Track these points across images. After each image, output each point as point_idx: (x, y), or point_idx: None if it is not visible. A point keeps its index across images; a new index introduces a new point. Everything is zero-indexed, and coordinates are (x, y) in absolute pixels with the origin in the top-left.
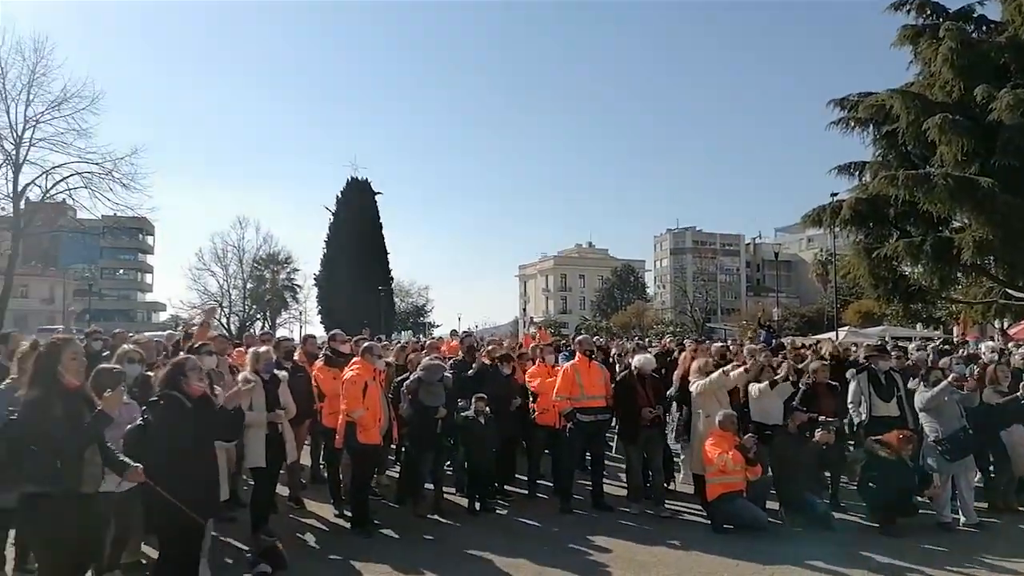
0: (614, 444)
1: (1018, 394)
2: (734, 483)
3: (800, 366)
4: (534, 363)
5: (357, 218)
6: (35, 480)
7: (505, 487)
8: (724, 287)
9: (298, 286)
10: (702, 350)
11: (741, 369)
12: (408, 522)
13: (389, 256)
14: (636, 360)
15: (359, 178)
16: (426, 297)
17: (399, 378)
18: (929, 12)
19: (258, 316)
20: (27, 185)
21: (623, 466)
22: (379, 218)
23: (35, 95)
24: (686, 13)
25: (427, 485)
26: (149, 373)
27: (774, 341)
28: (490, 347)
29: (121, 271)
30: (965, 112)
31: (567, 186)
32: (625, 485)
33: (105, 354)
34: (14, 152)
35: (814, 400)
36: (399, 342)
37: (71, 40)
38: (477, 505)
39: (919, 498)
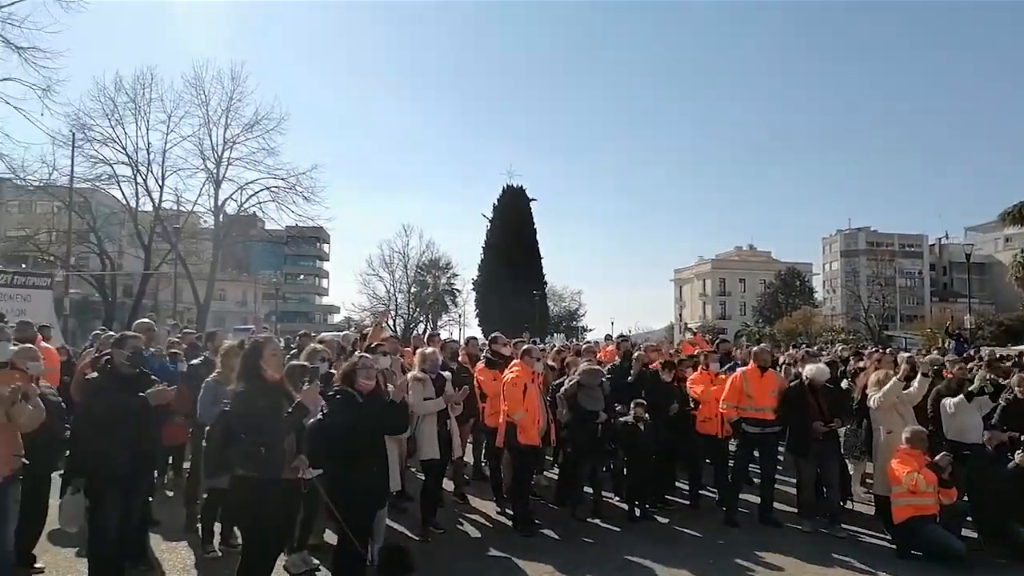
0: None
1: None
2: (926, 506)
3: (1003, 381)
4: (695, 370)
5: (512, 224)
6: (244, 465)
7: (665, 495)
8: (904, 292)
9: (457, 290)
10: (886, 360)
11: (920, 377)
12: (569, 524)
13: (543, 260)
14: (808, 370)
15: (514, 185)
16: (579, 301)
17: (555, 381)
18: None
19: (421, 319)
20: (225, 200)
21: (793, 481)
22: (533, 224)
23: (232, 119)
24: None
25: (586, 489)
26: (333, 371)
27: (966, 351)
28: (650, 353)
29: (301, 276)
30: None
31: (726, 186)
32: (796, 503)
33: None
34: (215, 170)
35: (1016, 418)
36: (553, 345)
37: (259, 66)
38: (637, 511)
39: None
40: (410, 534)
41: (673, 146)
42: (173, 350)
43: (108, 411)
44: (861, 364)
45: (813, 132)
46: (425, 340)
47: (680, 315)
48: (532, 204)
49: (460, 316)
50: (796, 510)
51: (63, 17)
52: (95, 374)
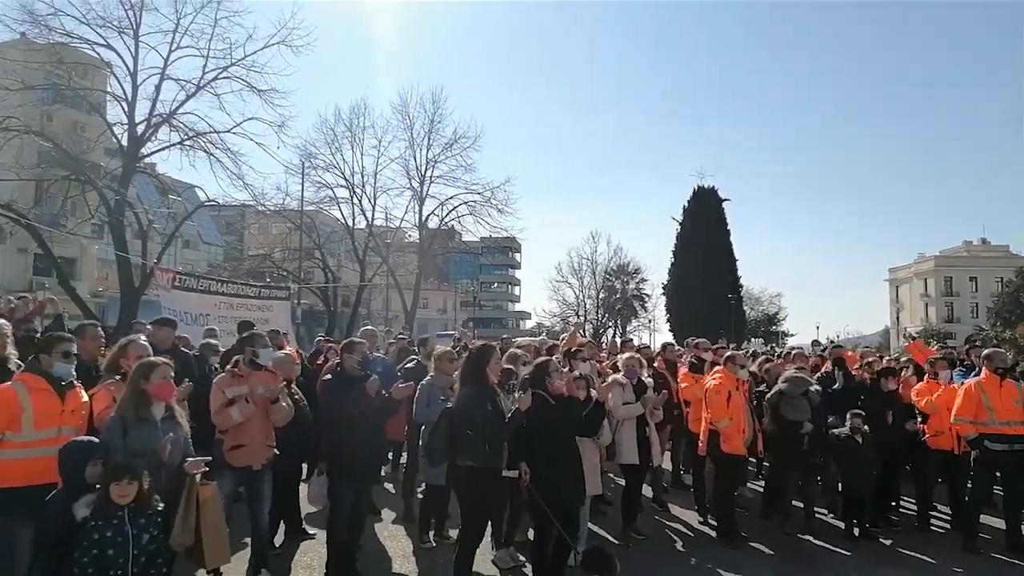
0: None
1: None
2: None
3: None
4: (920, 379)
5: (704, 226)
6: (471, 457)
7: (889, 515)
8: None
9: (646, 295)
10: None
11: None
12: (777, 538)
13: (738, 262)
14: None
15: (705, 186)
16: (778, 305)
17: (756, 389)
18: None
19: (610, 324)
20: (428, 215)
21: None
22: (727, 225)
23: (434, 140)
24: None
25: (795, 503)
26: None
27: None
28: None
29: (495, 284)
30: None
31: (948, 172)
32: None
33: None
34: (419, 188)
35: None
36: (750, 351)
37: (457, 87)
38: (856, 530)
39: None
40: (611, 538)
41: (882, 132)
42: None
43: (342, 408)
44: None
45: None
46: (620, 346)
47: (897, 318)
48: (725, 204)
49: (650, 321)
50: None
51: (293, 60)
52: (329, 376)
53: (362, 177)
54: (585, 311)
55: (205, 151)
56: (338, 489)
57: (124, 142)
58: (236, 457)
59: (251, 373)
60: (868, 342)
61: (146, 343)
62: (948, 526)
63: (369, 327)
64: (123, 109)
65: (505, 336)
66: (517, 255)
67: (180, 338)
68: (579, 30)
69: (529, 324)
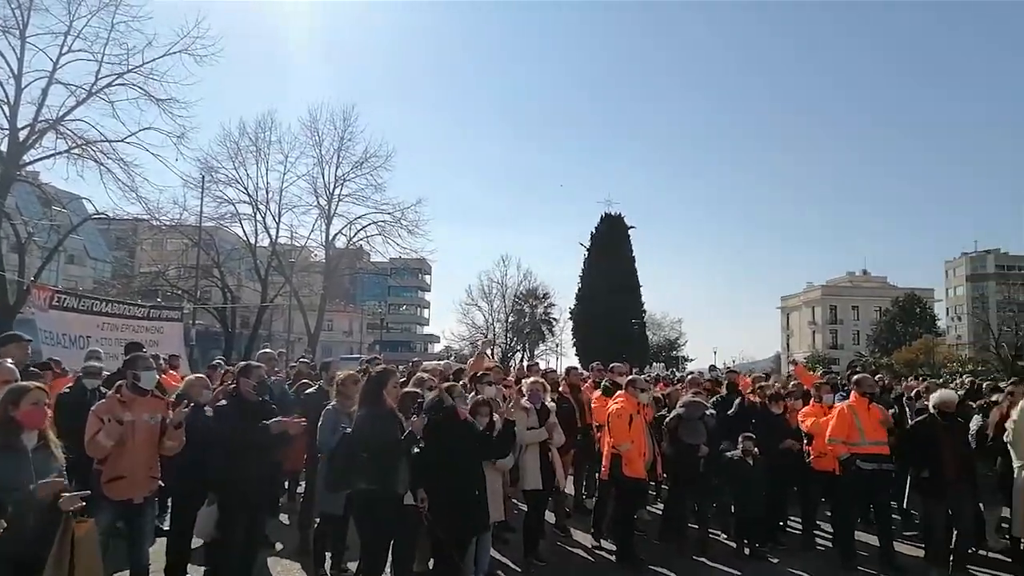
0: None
1: None
2: None
3: None
4: (805, 403)
5: (611, 253)
6: (368, 482)
7: (776, 534)
8: None
9: (554, 319)
10: (1021, 393)
11: None
12: (674, 561)
13: (642, 289)
14: (934, 398)
15: (612, 214)
16: (679, 330)
17: (658, 414)
18: None
19: (518, 348)
20: (335, 234)
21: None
22: (632, 252)
23: (343, 157)
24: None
25: (692, 524)
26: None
27: None
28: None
29: (404, 307)
30: None
31: (835, 208)
32: (920, 544)
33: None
34: (327, 207)
35: None
36: (652, 375)
37: (367, 106)
38: (746, 550)
39: None
40: (513, 565)
41: (778, 170)
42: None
43: (236, 438)
44: (994, 398)
45: (931, 150)
46: (525, 370)
47: (787, 344)
48: (631, 232)
49: (557, 345)
50: (922, 555)
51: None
52: (223, 401)
53: (266, 193)
54: (494, 335)
55: (95, 160)
56: (229, 521)
57: (3, 148)
58: (114, 490)
59: (134, 398)
60: (761, 367)
61: (12, 366)
62: (830, 544)
63: (267, 350)
64: (3, 113)
65: (415, 360)
66: (427, 277)
67: (53, 361)
68: (494, 56)
69: (438, 347)
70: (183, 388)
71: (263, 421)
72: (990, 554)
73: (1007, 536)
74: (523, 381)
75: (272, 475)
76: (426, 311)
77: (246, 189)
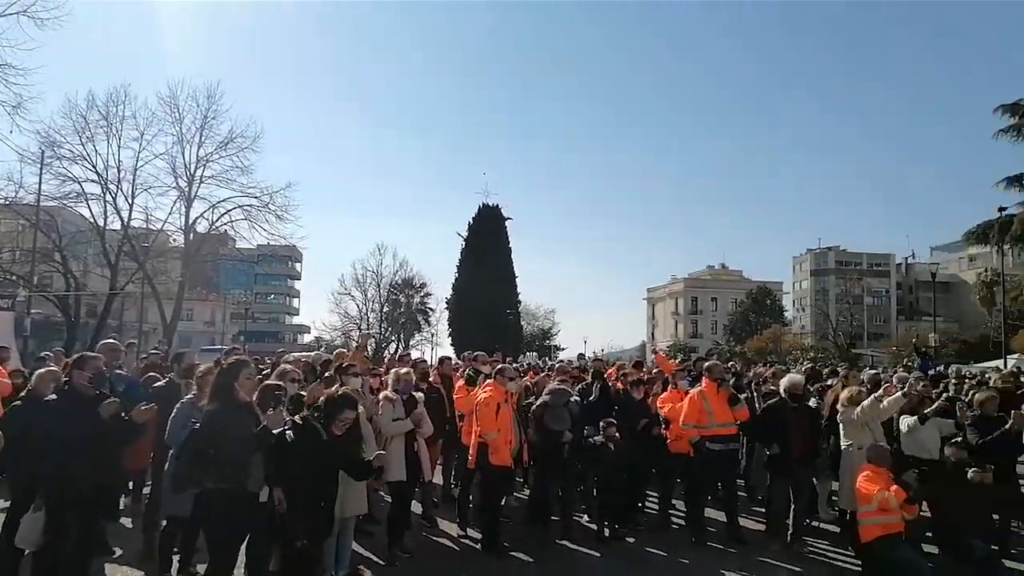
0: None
1: None
2: (893, 524)
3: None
4: (664, 388)
5: (487, 243)
6: (217, 479)
7: (636, 515)
8: (872, 310)
9: (431, 309)
10: (853, 377)
11: (898, 394)
12: (538, 546)
13: (517, 280)
14: (784, 381)
15: (490, 204)
16: (552, 320)
17: (526, 401)
18: None
19: (393, 338)
20: (196, 218)
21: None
22: (508, 243)
23: (206, 137)
24: (825, 25)
25: (557, 510)
26: (302, 393)
27: (932, 369)
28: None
29: (272, 296)
30: None
31: (698, 207)
32: (762, 520)
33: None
34: (187, 189)
35: (983, 434)
36: (526, 364)
37: (235, 84)
38: (606, 532)
39: None
40: (376, 558)
41: (649, 169)
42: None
43: (67, 431)
44: (830, 382)
45: (784, 153)
46: (397, 360)
47: (652, 334)
48: (508, 223)
49: (433, 335)
50: (763, 528)
51: (37, 35)
52: (54, 396)
53: (118, 172)
54: (368, 324)
55: None
56: (57, 524)
57: None
58: None
59: None
60: (628, 356)
61: None
62: (683, 522)
63: (111, 340)
64: None
65: (281, 351)
66: (297, 265)
67: None
68: (371, 42)
69: (308, 338)
70: (34, 382)
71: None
72: (822, 525)
73: (836, 508)
74: (392, 371)
75: (109, 473)
76: (296, 300)
77: (94, 167)
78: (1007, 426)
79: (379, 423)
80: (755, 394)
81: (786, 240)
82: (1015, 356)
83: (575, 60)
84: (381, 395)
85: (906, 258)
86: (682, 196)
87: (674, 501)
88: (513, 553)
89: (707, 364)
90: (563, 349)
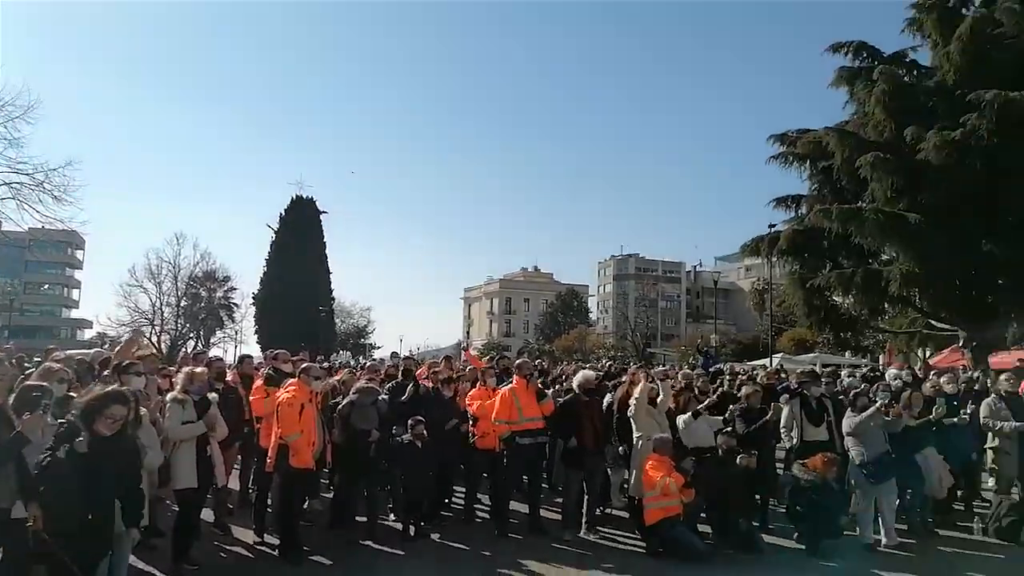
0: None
1: (930, 417)
2: (673, 507)
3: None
4: (473, 386)
5: (300, 237)
6: None
7: (442, 512)
8: (665, 313)
9: (236, 304)
10: (640, 375)
11: (668, 384)
12: (341, 548)
13: (331, 276)
14: (577, 377)
15: (304, 197)
16: (367, 318)
17: (332, 401)
18: (865, 55)
19: (191, 335)
20: None
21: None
22: (323, 237)
23: None
24: (636, 39)
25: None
26: (72, 394)
27: (712, 366)
28: (434, 370)
29: (46, 286)
30: (895, 151)
31: (515, 210)
32: (560, 509)
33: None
34: None
35: (749, 423)
36: (338, 363)
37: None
38: (412, 530)
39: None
40: (158, 573)
41: (467, 171)
42: None
43: None
44: (623, 378)
45: (594, 163)
46: (191, 359)
47: (468, 333)
48: (323, 217)
49: (237, 332)
50: (560, 518)
51: None
52: None
53: None
54: (163, 320)
55: None
56: None
57: None
58: None
59: None
60: (444, 354)
61: None
62: (488, 515)
63: None
64: None
65: (51, 347)
66: (79, 253)
67: None
68: (179, 22)
69: (90, 334)
70: None
71: None
72: (613, 511)
73: (627, 495)
74: (184, 370)
75: None
76: (76, 292)
77: None
78: (767, 416)
79: (164, 427)
80: (563, 391)
81: (594, 246)
82: (779, 355)
83: (402, 56)
84: (168, 396)
85: (694, 266)
86: (501, 198)
87: (480, 496)
88: (313, 557)
89: (517, 362)
90: (378, 348)
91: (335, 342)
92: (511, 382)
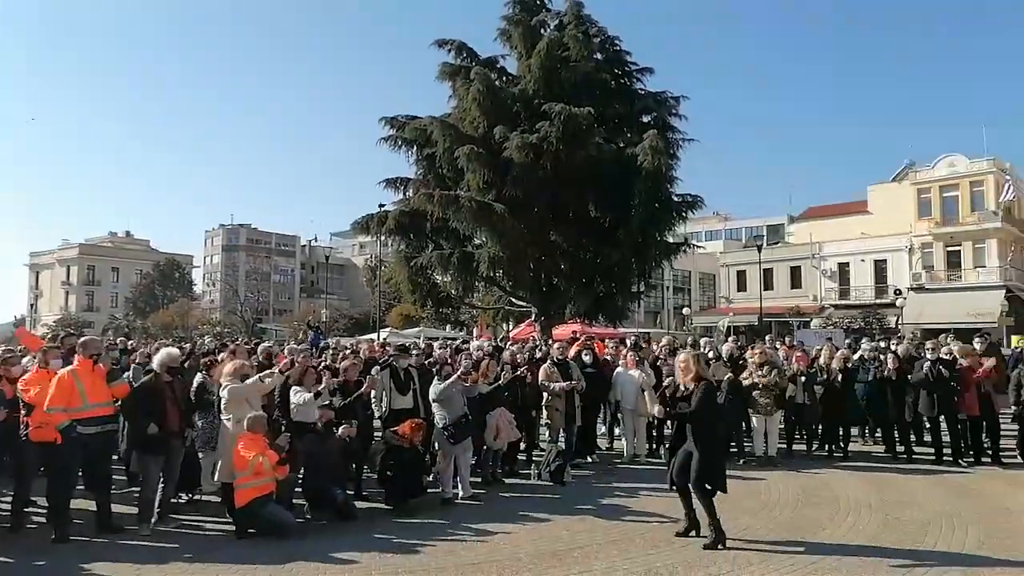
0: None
1: (500, 382)
2: (265, 485)
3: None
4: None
5: None
6: None
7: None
8: (278, 287)
9: None
10: (240, 351)
11: (276, 372)
12: None
13: None
14: (160, 355)
15: None
16: None
17: None
18: (464, 55)
19: None
20: None
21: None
22: None
23: None
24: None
25: None
26: None
27: (321, 342)
28: None
29: None
30: (488, 146)
31: (102, 168)
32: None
33: None
34: None
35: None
36: None
37: None
38: None
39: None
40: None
41: (47, 117)
42: None
43: None
44: (220, 357)
45: (202, 127)
46: None
47: (34, 307)
48: None
49: None
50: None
51: None
52: None
53: None
54: None
55: None
56: None
57: None
58: None
59: None
60: (1, 332)
61: None
62: (44, 520)
63: None
64: None
65: None
66: None
67: None
68: None
69: None
70: None
71: None
72: (205, 498)
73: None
74: None
75: None
76: None
77: None
78: (362, 389)
79: None
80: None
81: (200, 214)
82: (387, 329)
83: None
84: None
85: (310, 241)
86: (85, 151)
87: (34, 498)
88: None
89: (83, 340)
90: None
91: None
92: (73, 363)
